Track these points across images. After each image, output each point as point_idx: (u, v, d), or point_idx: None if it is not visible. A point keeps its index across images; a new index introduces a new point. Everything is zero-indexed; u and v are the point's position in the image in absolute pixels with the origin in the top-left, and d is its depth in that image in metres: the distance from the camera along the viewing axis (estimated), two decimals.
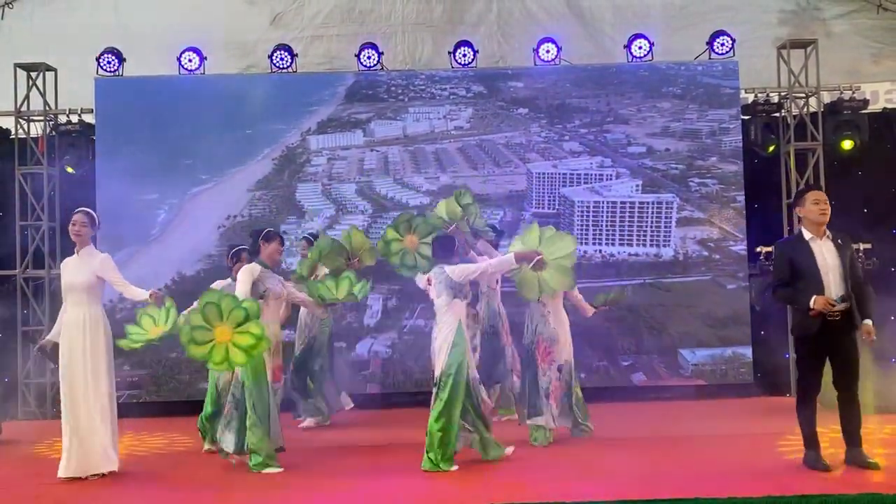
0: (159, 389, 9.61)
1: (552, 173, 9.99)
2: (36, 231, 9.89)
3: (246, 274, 6.44)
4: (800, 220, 6.07)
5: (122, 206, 9.45)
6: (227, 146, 9.82)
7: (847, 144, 9.82)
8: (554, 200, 9.94)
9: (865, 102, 9.97)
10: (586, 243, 9.77)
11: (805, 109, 10.14)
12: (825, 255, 5.79)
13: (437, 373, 6.30)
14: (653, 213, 9.93)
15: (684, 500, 5.03)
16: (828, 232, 5.86)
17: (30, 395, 9.71)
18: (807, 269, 5.78)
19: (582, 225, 9.86)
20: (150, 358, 9.40)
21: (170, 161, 9.71)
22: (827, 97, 10.16)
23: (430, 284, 6.51)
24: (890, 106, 10.57)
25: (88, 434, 6.12)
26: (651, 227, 9.92)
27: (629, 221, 9.91)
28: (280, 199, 9.91)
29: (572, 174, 9.98)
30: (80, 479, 6.07)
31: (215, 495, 5.81)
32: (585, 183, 9.96)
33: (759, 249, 9.75)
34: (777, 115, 10.09)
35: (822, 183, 9.84)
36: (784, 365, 9.88)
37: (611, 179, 9.97)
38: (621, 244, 9.86)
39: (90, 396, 6.15)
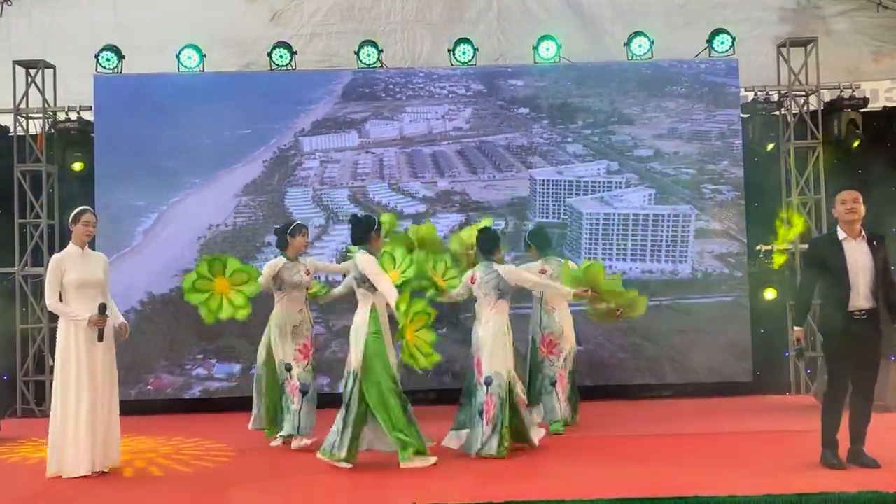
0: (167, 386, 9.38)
1: (557, 180, 9.56)
2: (35, 229, 9.87)
3: (267, 268, 7.12)
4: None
5: (118, 207, 9.32)
6: (222, 147, 9.51)
7: (856, 143, 9.77)
8: (559, 209, 9.51)
9: (865, 101, 9.96)
10: (595, 259, 8.99)
11: (805, 108, 10.13)
12: (857, 255, 5.73)
13: (354, 365, 6.18)
14: (668, 225, 9.43)
15: (684, 499, 5.02)
16: (864, 232, 5.80)
17: (29, 392, 9.70)
18: (837, 269, 5.73)
19: (590, 238, 9.36)
20: (150, 357, 9.39)
21: (167, 161, 9.44)
22: (827, 95, 10.16)
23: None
24: (890, 104, 10.56)
25: (95, 431, 6.05)
26: (667, 240, 9.40)
27: (643, 235, 9.42)
28: (267, 206, 9.43)
29: (578, 182, 9.55)
30: (81, 476, 6.03)
31: (218, 494, 5.79)
32: (593, 191, 9.51)
33: (758, 248, 9.74)
34: (777, 113, 10.08)
35: (822, 181, 9.87)
36: (783, 363, 9.88)
37: (620, 187, 9.51)
38: (633, 259, 9.38)
39: (102, 392, 6.12)
